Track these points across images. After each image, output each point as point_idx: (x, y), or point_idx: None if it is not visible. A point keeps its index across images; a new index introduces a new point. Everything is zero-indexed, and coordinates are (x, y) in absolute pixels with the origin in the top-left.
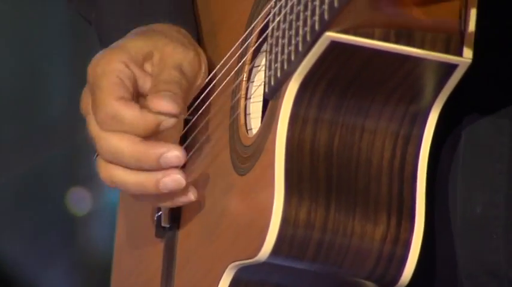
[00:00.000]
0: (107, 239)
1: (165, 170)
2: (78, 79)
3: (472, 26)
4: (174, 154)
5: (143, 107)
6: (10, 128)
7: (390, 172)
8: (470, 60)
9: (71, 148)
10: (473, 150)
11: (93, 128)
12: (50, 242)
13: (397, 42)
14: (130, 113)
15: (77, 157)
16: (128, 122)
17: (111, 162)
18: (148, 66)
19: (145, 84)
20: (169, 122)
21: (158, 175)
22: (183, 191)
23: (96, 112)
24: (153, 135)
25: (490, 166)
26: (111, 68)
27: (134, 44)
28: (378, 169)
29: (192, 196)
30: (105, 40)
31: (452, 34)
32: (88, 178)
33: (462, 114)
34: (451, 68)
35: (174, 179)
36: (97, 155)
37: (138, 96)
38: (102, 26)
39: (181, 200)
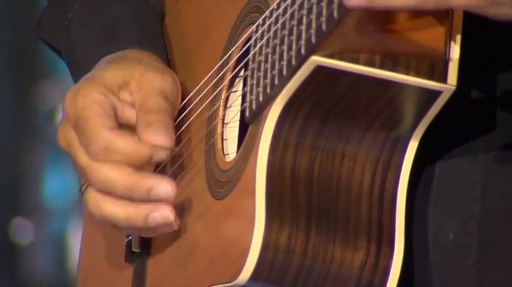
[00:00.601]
0: (49, 269)
1: (155, 205)
2: (22, 108)
3: (456, 53)
4: (165, 187)
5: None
6: None
7: (370, 199)
8: (454, 87)
9: (14, 176)
10: (447, 178)
11: (83, 159)
12: None
13: (381, 67)
14: (124, 143)
15: (21, 185)
16: (122, 153)
17: (102, 192)
18: (125, 95)
19: (124, 113)
20: (162, 154)
21: (147, 209)
22: (169, 223)
23: (88, 144)
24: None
25: (463, 194)
26: (92, 99)
27: (108, 73)
28: (357, 196)
29: (175, 226)
30: (76, 67)
31: (437, 60)
32: (31, 207)
33: (437, 143)
34: (435, 94)
35: (163, 215)
36: (84, 188)
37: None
38: (73, 53)
39: (163, 231)
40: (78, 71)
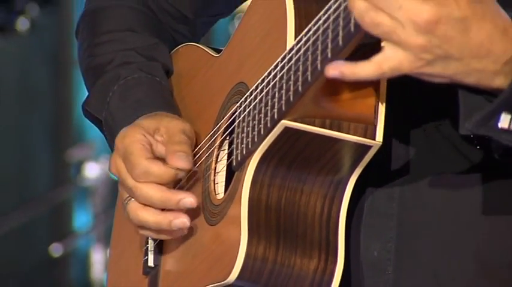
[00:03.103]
0: (77, 277)
1: (177, 213)
2: (59, 162)
3: (382, 119)
4: (189, 200)
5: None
6: None
7: (320, 223)
8: (380, 143)
9: (54, 209)
10: (373, 211)
11: (129, 181)
12: None
13: (330, 128)
14: (156, 168)
15: (58, 216)
16: (155, 175)
17: (143, 204)
18: (157, 136)
19: (157, 148)
20: (182, 173)
21: (171, 216)
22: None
23: (132, 170)
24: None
25: (384, 224)
26: (135, 138)
27: (145, 122)
28: (311, 220)
29: (186, 231)
30: (115, 129)
31: (369, 124)
32: (65, 232)
33: (365, 185)
34: (367, 148)
35: (183, 221)
36: (127, 201)
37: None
38: (113, 119)
39: (178, 234)
40: (115, 132)
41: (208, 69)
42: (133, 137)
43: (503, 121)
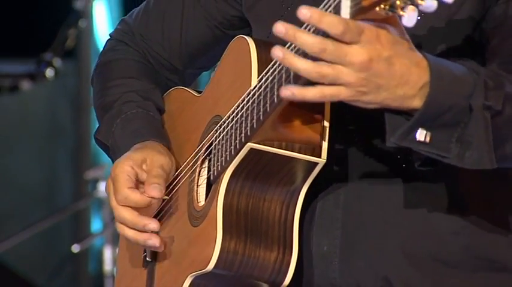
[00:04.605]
0: (93, 270)
1: (150, 235)
2: (78, 179)
3: (326, 140)
4: (153, 225)
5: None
6: None
7: (279, 223)
8: (325, 160)
9: (73, 216)
10: (322, 214)
11: (113, 202)
12: None
13: (285, 149)
14: (134, 196)
15: (78, 221)
16: (133, 201)
17: (119, 222)
18: (144, 166)
19: (143, 175)
20: (156, 201)
21: (145, 236)
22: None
23: (116, 194)
24: (146, 207)
25: (331, 224)
26: (124, 169)
27: (135, 154)
28: (272, 222)
29: (160, 249)
30: (119, 154)
31: (316, 145)
32: (84, 234)
33: (317, 192)
34: (314, 164)
35: (153, 242)
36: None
37: (138, 183)
38: (117, 146)
39: (155, 249)
40: (118, 155)
41: (192, 105)
42: (122, 168)
43: (420, 135)
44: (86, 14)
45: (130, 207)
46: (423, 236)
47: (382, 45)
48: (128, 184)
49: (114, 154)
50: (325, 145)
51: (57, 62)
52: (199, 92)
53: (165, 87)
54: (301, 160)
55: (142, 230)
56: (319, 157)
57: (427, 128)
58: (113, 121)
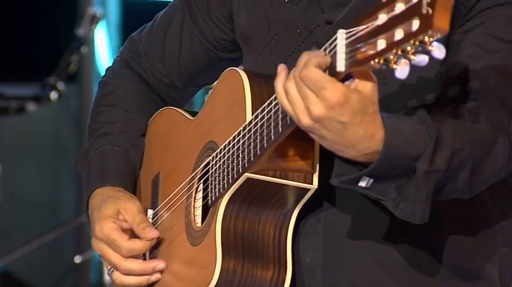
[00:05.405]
0: (94, 280)
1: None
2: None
3: (317, 169)
4: (161, 265)
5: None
6: None
7: (273, 244)
8: (316, 186)
9: (77, 228)
10: (307, 230)
11: (117, 259)
12: None
13: (280, 177)
14: (137, 244)
15: (81, 235)
16: (138, 250)
17: (125, 274)
18: (120, 216)
19: (123, 226)
20: (154, 241)
21: (148, 276)
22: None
23: (119, 250)
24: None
25: (314, 238)
26: (112, 227)
27: (108, 210)
28: (267, 242)
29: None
30: (89, 185)
31: (308, 173)
32: (87, 245)
33: (301, 209)
34: (307, 190)
35: (157, 276)
36: (111, 271)
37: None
38: (88, 178)
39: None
40: (89, 186)
41: (186, 128)
42: (109, 227)
43: (363, 182)
44: (88, 41)
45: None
46: (397, 248)
47: (342, 110)
48: (125, 237)
49: (86, 185)
50: (316, 173)
51: (61, 85)
52: (192, 114)
53: (159, 107)
54: (295, 187)
55: (151, 272)
56: (311, 183)
57: (371, 177)
58: (86, 155)
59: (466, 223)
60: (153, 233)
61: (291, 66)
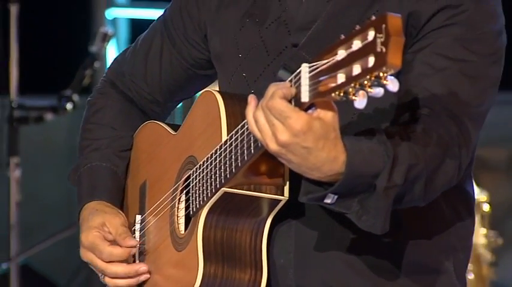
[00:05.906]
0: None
1: (139, 274)
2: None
3: (287, 182)
4: (143, 268)
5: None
6: None
7: (250, 249)
8: (287, 198)
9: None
10: (280, 234)
11: (100, 263)
12: None
13: (254, 191)
14: (117, 250)
15: None
16: (118, 255)
17: (111, 278)
18: (105, 228)
19: (108, 237)
20: (134, 249)
21: (136, 278)
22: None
23: (101, 255)
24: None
25: (285, 242)
26: (96, 235)
27: (94, 222)
28: (244, 248)
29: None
30: (80, 197)
31: (279, 186)
32: None
33: (275, 216)
34: (278, 201)
35: (145, 276)
36: (103, 277)
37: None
38: (80, 192)
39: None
40: (80, 201)
41: (168, 142)
42: (93, 235)
43: (328, 198)
44: (100, 56)
45: (117, 261)
46: (362, 249)
47: (306, 137)
48: (106, 243)
49: (78, 198)
50: (287, 185)
51: (76, 97)
52: (173, 127)
53: (146, 120)
54: (268, 199)
55: (135, 275)
56: (283, 195)
57: (335, 194)
58: (78, 169)
59: (423, 224)
60: (131, 242)
61: (261, 85)
